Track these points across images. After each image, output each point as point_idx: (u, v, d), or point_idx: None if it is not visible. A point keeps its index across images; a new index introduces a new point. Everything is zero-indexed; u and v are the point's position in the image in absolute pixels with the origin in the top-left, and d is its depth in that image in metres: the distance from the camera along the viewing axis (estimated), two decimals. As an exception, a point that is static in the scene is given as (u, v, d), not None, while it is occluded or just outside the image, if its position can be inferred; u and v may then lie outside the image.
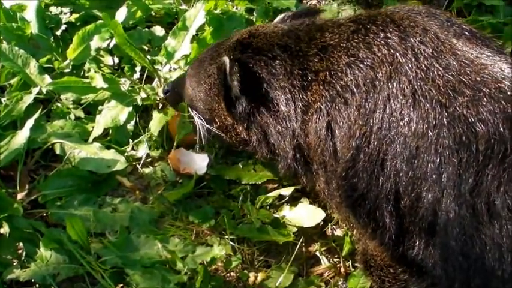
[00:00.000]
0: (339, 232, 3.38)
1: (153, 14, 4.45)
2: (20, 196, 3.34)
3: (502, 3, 4.64)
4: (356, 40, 2.68)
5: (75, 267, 3.06)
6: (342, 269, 3.24)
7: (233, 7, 4.38)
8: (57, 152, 3.52)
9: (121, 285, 3.06)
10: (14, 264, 3.10)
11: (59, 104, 3.78)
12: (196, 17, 4.03)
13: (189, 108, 3.29)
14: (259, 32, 3.02)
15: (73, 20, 4.26)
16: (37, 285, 3.05)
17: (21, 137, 3.39)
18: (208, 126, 3.18)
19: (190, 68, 3.34)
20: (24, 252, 3.14)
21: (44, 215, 3.32)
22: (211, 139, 3.29)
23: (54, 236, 3.13)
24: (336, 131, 2.65)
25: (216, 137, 3.25)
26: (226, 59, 2.89)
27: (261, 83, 2.85)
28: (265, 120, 2.89)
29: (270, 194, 3.44)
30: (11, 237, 3.15)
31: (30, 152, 3.54)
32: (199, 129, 3.23)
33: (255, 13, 4.37)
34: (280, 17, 3.23)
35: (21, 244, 3.17)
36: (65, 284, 3.07)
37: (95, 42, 4.00)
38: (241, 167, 3.56)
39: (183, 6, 4.44)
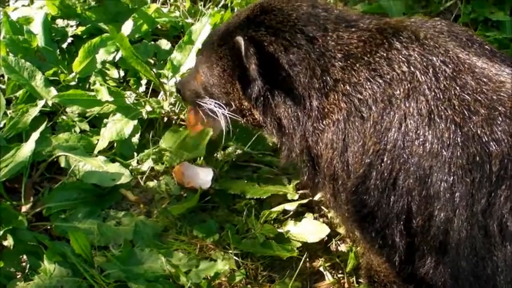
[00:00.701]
0: (343, 248, 3.36)
1: (159, 27, 4.46)
2: (24, 209, 3.34)
3: (509, 19, 4.65)
4: (379, 54, 2.62)
5: (79, 280, 3.05)
6: (346, 285, 3.23)
7: (239, 21, 4.37)
8: (62, 164, 3.52)
9: (124, 299, 3.06)
10: (18, 276, 3.10)
11: (64, 117, 3.79)
12: (202, 31, 4.03)
13: (203, 99, 3.10)
14: (272, 7, 2.85)
15: (79, 33, 4.27)
16: (40, 298, 3.04)
17: (27, 149, 3.39)
18: (225, 111, 3.00)
19: (200, 55, 3.17)
20: (28, 265, 3.13)
21: (48, 227, 3.32)
22: (230, 125, 3.08)
23: (58, 249, 3.13)
24: (351, 146, 2.60)
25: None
26: (240, 39, 2.73)
27: (279, 67, 2.73)
28: (281, 108, 2.77)
29: (275, 209, 3.43)
30: (15, 250, 3.15)
31: (35, 165, 3.54)
32: (218, 115, 3.05)
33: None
34: None
35: (25, 257, 3.17)
36: (68, 298, 3.06)
37: (101, 55, 4.01)
38: (245, 181, 3.56)
39: (189, 20, 4.45)
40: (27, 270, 3.11)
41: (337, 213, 2.89)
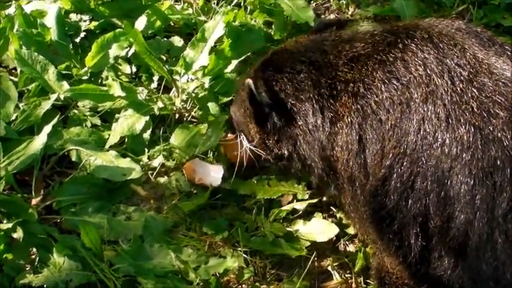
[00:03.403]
0: (351, 248, 3.37)
1: (172, 24, 4.48)
2: (34, 201, 3.35)
3: (520, 24, 4.64)
4: (393, 55, 2.65)
5: (88, 274, 3.06)
6: (354, 285, 3.22)
7: (252, 20, 4.38)
8: (73, 158, 3.54)
9: (133, 293, 3.07)
10: (27, 269, 3.10)
11: (76, 111, 3.80)
12: (215, 28, 4.03)
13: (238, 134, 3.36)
14: (281, 49, 3.06)
15: (92, 28, 4.28)
16: (49, 291, 3.06)
17: (38, 142, 3.39)
18: (251, 146, 3.22)
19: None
20: (37, 258, 3.14)
21: (58, 221, 3.33)
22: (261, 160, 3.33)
23: (67, 243, 3.14)
24: (368, 148, 2.62)
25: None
26: (249, 80, 2.93)
27: (287, 97, 2.87)
28: (295, 132, 2.89)
29: (284, 208, 3.43)
30: (25, 242, 3.16)
31: (46, 158, 3.55)
32: (246, 149, 3.29)
33: (273, 26, 4.39)
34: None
35: (34, 249, 3.18)
36: (77, 291, 3.08)
37: (114, 51, 4.02)
38: (255, 182, 3.55)
39: (202, 18, 4.46)
40: (36, 263, 3.12)
41: (354, 216, 2.90)
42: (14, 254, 3.12)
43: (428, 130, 2.47)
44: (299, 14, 4.34)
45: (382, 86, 2.60)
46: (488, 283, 2.43)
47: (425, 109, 2.49)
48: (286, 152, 2.99)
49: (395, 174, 2.53)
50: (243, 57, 3.97)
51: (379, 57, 2.68)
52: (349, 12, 4.82)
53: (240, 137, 3.31)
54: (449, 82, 2.49)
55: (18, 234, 3.15)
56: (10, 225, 3.10)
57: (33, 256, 3.17)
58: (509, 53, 2.61)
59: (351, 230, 3.36)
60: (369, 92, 2.63)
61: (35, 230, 3.19)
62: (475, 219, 2.38)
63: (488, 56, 2.56)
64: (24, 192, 3.37)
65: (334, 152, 2.76)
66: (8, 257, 3.09)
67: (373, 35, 2.80)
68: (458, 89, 2.47)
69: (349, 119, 2.67)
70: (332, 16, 4.79)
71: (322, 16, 4.76)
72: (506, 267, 2.37)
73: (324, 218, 3.43)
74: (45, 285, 3.01)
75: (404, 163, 2.51)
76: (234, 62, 3.97)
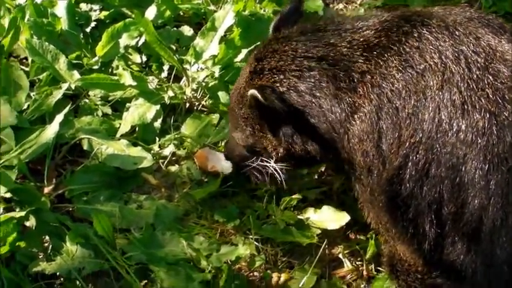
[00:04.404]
0: (362, 235, 3.37)
1: (182, 13, 4.48)
2: (47, 190, 3.37)
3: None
4: (409, 44, 2.63)
5: (101, 262, 3.08)
6: (365, 272, 3.24)
7: (261, 9, 4.39)
8: (85, 147, 3.55)
9: (145, 281, 3.08)
10: (40, 257, 3.12)
11: (87, 100, 3.82)
12: (225, 18, 4.04)
13: (250, 159, 3.21)
14: (264, 53, 2.95)
15: (102, 18, 4.29)
16: (62, 279, 3.07)
17: (50, 131, 3.41)
18: (272, 163, 3.11)
19: (229, 132, 3.34)
20: (50, 246, 3.16)
21: (70, 209, 3.35)
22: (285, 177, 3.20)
23: (80, 231, 3.16)
24: (385, 137, 2.62)
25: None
26: (253, 91, 2.80)
27: (299, 97, 2.79)
28: (313, 130, 2.82)
29: (295, 196, 3.43)
30: (38, 230, 3.18)
31: (57, 147, 3.57)
32: (270, 172, 3.17)
33: (282, 15, 4.39)
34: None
35: (47, 237, 3.20)
36: (90, 279, 3.09)
37: (124, 40, 4.03)
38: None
39: (212, 7, 4.46)
40: (49, 251, 3.14)
41: (369, 205, 2.90)
42: (27, 242, 3.13)
43: (443, 117, 2.47)
44: (308, 4, 4.36)
45: (398, 75, 2.60)
46: (502, 267, 2.44)
47: (441, 97, 2.49)
48: (312, 151, 2.92)
49: (410, 163, 2.53)
50: (252, 47, 3.95)
51: (395, 48, 2.66)
52: (358, 1, 4.82)
53: (255, 161, 3.19)
54: (466, 69, 2.49)
55: (31, 222, 3.17)
56: (23, 213, 3.11)
57: (46, 244, 3.19)
58: None
59: (361, 218, 3.37)
60: (385, 81, 2.62)
61: (47, 218, 3.22)
62: (489, 205, 2.39)
63: (501, 43, 2.56)
64: (36, 181, 3.39)
65: (352, 143, 2.75)
66: (21, 245, 3.10)
67: (383, 22, 2.78)
68: (475, 76, 2.47)
69: (367, 109, 2.66)
70: (340, 6, 4.79)
71: (331, 6, 4.76)
72: None
73: (335, 206, 3.43)
74: (58, 273, 3.04)
75: (420, 151, 2.51)
76: (244, 51, 3.97)
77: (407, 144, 2.54)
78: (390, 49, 2.67)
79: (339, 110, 2.73)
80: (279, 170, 3.12)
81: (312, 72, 2.78)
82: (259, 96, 2.77)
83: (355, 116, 2.70)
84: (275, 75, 2.84)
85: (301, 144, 2.92)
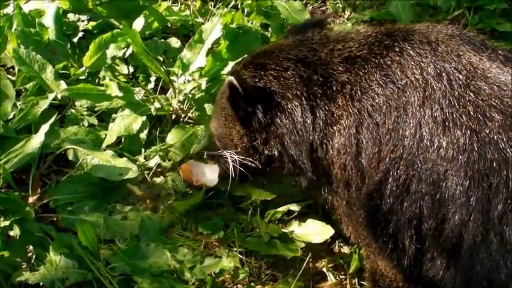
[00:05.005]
0: (346, 249, 3.39)
1: (169, 25, 4.50)
2: (31, 200, 3.37)
3: (515, 30, 4.68)
4: (390, 58, 2.65)
5: (84, 272, 3.07)
6: (348, 286, 3.25)
7: (249, 22, 4.41)
8: (70, 157, 3.55)
9: (129, 292, 3.08)
10: (23, 267, 3.12)
11: (73, 110, 3.82)
12: (212, 30, 4.06)
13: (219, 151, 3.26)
14: (262, 51, 3.03)
15: (90, 28, 4.30)
16: (45, 289, 3.07)
17: (36, 141, 3.41)
18: (234, 156, 3.13)
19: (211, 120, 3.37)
20: (34, 256, 3.16)
21: (55, 219, 3.35)
22: (248, 174, 3.19)
23: (64, 241, 3.15)
24: (365, 151, 2.62)
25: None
26: (231, 78, 2.87)
27: (272, 93, 2.83)
28: (281, 131, 2.85)
29: (280, 209, 3.45)
30: (21, 240, 3.17)
31: (43, 157, 3.56)
32: (231, 164, 3.18)
33: (270, 29, 4.42)
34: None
35: (31, 247, 3.20)
36: (73, 289, 3.09)
37: (111, 51, 4.04)
38: (250, 184, 3.54)
39: (199, 19, 4.49)
40: (33, 261, 3.14)
41: (348, 219, 2.90)
42: (11, 252, 3.13)
43: (424, 134, 2.48)
44: (295, 17, 4.39)
45: (379, 90, 2.61)
46: (481, 283, 2.45)
47: (422, 113, 2.51)
48: (276, 153, 2.94)
49: (391, 178, 2.54)
50: (239, 59, 3.96)
51: (376, 60, 2.68)
52: (345, 16, 4.85)
53: (222, 153, 3.24)
54: (447, 86, 2.51)
55: (15, 232, 3.16)
56: (7, 223, 3.11)
57: (30, 254, 3.19)
58: (501, 58, 2.62)
59: (346, 232, 3.38)
60: (365, 96, 2.63)
61: (31, 228, 3.21)
62: (469, 221, 2.40)
63: (483, 61, 2.58)
64: (21, 191, 3.39)
65: (329, 155, 2.75)
66: (5, 255, 3.10)
67: (367, 36, 2.80)
68: (456, 93, 2.49)
69: (346, 122, 2.66)
70: (328, 20, 4.81)
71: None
72: (501, 268, 2.39)
73: (320, 219, 3.44)
74: (41, 283, 3.03)
75: (401, 167, 2.52)
76: (231, 64, 3.97)
77: (388, 159, 2.55)
78: (371, 61, 2.68)
79: (311, 116, 2.74)
80: (242, 163, 3.12)
81: (287, 73, 2.82)
82: (235, 82, 2.85)
83: (334, 127, 2.71)
84: (257, 71, 2.89)
85: (265, 141, 2.95)
